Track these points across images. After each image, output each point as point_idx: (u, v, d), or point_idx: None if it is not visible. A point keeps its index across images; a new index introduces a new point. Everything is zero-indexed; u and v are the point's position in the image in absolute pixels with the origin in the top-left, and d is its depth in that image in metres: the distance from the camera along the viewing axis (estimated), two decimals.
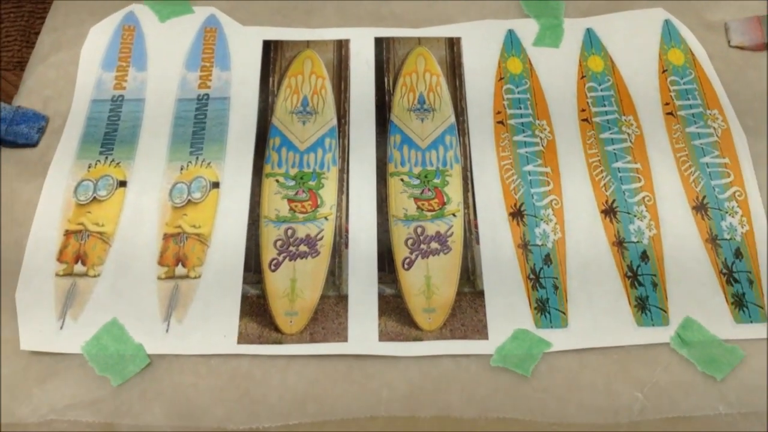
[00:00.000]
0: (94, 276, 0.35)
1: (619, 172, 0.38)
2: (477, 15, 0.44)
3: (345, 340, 0.33)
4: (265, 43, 0.43)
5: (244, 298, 0.34)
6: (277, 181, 0.38)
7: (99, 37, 0.43)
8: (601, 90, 0.40)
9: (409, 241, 0.36)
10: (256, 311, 0.34)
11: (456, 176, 0.38)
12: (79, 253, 0.35)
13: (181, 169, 0.38)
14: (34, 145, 0.39)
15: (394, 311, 0.34)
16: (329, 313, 0.34)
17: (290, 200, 0.37)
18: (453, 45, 0.43)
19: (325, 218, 0.37)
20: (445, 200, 0.37)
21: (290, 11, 0.44)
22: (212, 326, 0.34)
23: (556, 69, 0.41)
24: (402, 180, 0.38)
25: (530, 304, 0.34)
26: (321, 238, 0.36)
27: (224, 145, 0.39)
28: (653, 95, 0.40)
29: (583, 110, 0.40)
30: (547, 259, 0.35)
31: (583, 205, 0.37)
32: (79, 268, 0.35)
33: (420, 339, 0.34)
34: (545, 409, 0.32)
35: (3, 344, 0.33)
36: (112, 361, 0.32)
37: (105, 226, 0.36)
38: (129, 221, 0.36)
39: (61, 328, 0.33)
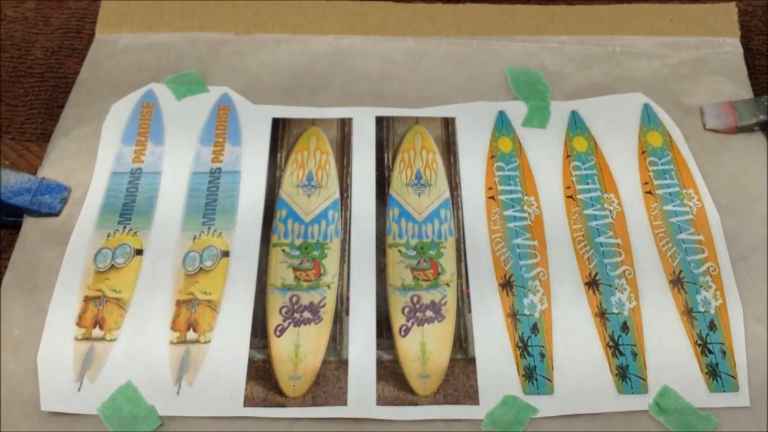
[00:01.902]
0: (111, 340, 0.37)
1: (602, 246, 0.40)
2: (471, 97, 0.47)
3: (344, 403, 0.36)
4: (274, 120, 0.46)
5: (251, 362, 0.37)
6: (283, 250, 0.41)
7: (120, 113, 0.46)
8: (585, 169, 0.44)
9: (406, 310, 0.39)
10: (262, 375, 0.36)
11: (450, 248, 0.41)
12: (98, 318, 0.38)
13: (194, 238, 0.41)
14: (56, 214, 0.41)
15: (391, 376, 0.37)
16: (330, 377, 0.37)
17: (295, 269, 0.40)
18: (448, 124, 0.46)
19: (328, 286, 0.39)
20: (440, 271, 0.40)
21: (297, 91, 0.47)
22: (220, 389, 0.36)
23: (544, 148, 0.45)
24: (400, 251, 0.41)
25: (519, 371, 0.37)
26: (324, 306, 0.39)
27: (234, 216, 0.42)
28: (633, 175, 0.43)
29: (568, 187, 0.43)
30: (535, 329, 0.38)
31: (568, 277, 0.40)
32: (97, 332, 0.37)
33: (415, 403, 0.36)
34: None
35: (23, 405, 0.35)
36: (126, 422, 0.35)
37: (122, 293, 0.39)
38: (144, 288, 0.39)
39: (79, 390, 0.36)
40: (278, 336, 0.38)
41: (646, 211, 0.42)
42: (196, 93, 0.47)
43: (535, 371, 0.36)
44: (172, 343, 0.37)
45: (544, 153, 0.45)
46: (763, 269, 0.40)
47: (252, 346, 0.37)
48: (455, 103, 0.47)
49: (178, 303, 0.38)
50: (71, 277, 0.39)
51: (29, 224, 0.41)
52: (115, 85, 0.47)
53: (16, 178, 0.42)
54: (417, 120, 0.46)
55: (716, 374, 0.36)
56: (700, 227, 0.41)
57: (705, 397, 0.36)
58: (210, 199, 0.42)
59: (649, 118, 0.46)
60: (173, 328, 0.38)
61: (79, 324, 0.37)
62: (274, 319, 0.38)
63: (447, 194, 0.43)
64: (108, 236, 0.41)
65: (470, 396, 0.36)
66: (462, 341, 0.38)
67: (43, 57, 0.52)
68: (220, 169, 0.44)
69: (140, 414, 0.35)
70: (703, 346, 0.37)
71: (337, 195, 0.43)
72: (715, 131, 0.45)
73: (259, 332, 0.38)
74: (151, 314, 0.38)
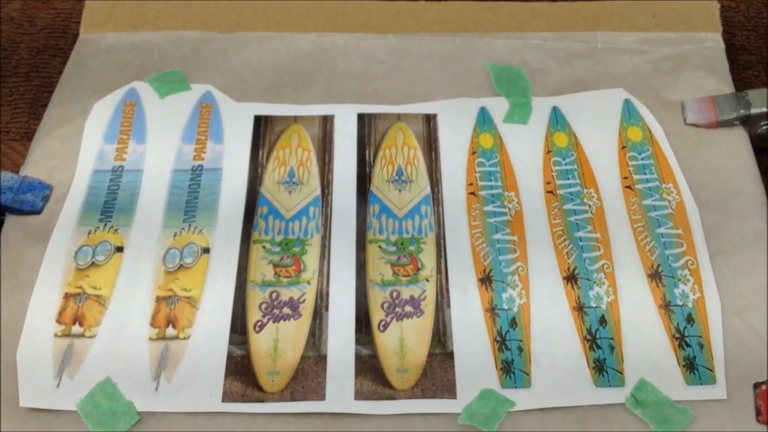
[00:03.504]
0: (90, 337, 0.37)
1: (581, 241, 0.41)
2: (452, 93, 0.47)
3: (323, 398, 0.36)
4: (256, 117, 0.46)
5: (230, 358, 0.37)
6: (264, 247, 0.41)
7: (102, 111, 0.46)
8: (565, 164, 0.44)
9: (385, 305, 0.39)
10: (241, 371, 0.37)
11: (430, 243, 0.41)
12: (77, 315, 0.38)
13: (175, 235, 0.41)
14: (38, 212, 0.42)
15: (370, 371, 0.37)
16: (309, 372, 0.37)
17: (275, 265, 0.40)
18: (430, 121, 0.46)
19: (308, 282, 0.40)
20: (420, 266, 0.40)
21: (280, 89, 0.48)
22: (199, 385, 0.36)
23: (525, 144, 0.45)
24: (380, 247, 0.41)
25: (496, 365, 0.37)
26: (303, 301, 0.39)
27: (215, 213, 0.42)
28: (613, 170, 0.44)
29: (549, 183, 0.43)
30: (513, 323, 0.38)
31: (547, 271, 0.40)
32: (76, 329, 0.37)
33: (393, 398, 0.36)
34: None
35: (3, 402, 0.35)
36: (104, 419, 0.35)
37: (102, 290, 0.39)
38: (124, 285, 0.39)
39: (58, 386, 0.36)
40: (257, 332, 0.38)
41: (626, 205, 0.42)
42: (179, 91, 0.47)
43: (512, 365, 0.37)
44: (151, 339, 0.37)
45: (525, 149, 0.45)
46: (742, 264, 0.40)
47: (231, 342, 0.37)
48: (437, 100, 0.47)
49: (158, 299, 0.39)
50: (51, 275, 0.39)
51: (11, 222, 0.41)
52: (98, 84, 0.48)
53: None
54: (399, 117, 0.46)
55: (693, 367, 0.36)
56: (678, 221, 0.41)
57: (682, 390, 0.36)
58: (191, 197, 0.42)
59: (629, 114, 0.46)
60: (153, 324, 0.38)
61: (58, 321, 0.38)
62: (254, 315, 0.38)
63: (428, 190, 0.43)
64: (89, 234, 0.41)
65: (448, 390, 0.36)
66: (441, 336, 0.38)
67: (28, 57, 0.53)
68: (201, 166, 0.44)
69: (119, 410, 0.35)
70: (680, 339, 0.37)
71: (318, 191, 0.43)
72: (696, 126, 0.45)
73: (239, 328, 0.38)
74: (131, 311, 0.38)
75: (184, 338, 0.37)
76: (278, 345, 0.37)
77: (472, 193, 0.43)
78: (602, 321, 0.38)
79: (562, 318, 0.38)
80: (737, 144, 0.45)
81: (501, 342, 0.37)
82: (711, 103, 0.46)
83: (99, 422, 0.35)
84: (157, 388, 0.36)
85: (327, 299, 0.39)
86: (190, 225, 0.41)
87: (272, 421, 0.35)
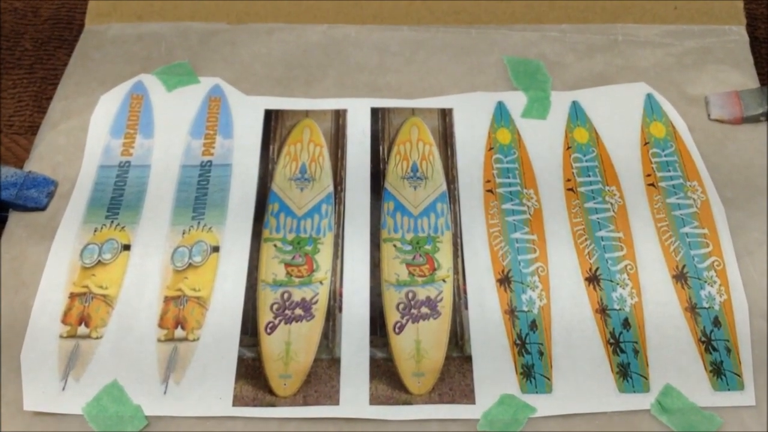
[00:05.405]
0: (97, 338, 0.36)
1: (603, 240, 0.39)
2: (468, 87, 0.46)
3: (337, 403, 0.35)
4: (267, 112, 0.45)
5: (240, 360, 0.36)
6: (275, 245, 0.39)
7: (108, 105, 0.45)
8: (586, 161, 0.42)
9: (401, 306, 0.38)
10: (252, 374, 0.35)
11: (446, 243, 0.40)
12: (83, 316, 0.37)
13: (183, 233, 0.40)
14: (43, 209, 0.40)
15: (385, 375, 0.36)
16: (322, 376, 0.35)
17: (287, 264, 0.39)
18: (445, 115, 0.45)
19: (321, 282, 0.38)
20: (436, 266, 0.39)
21: (291, 82, 0.46)
22: (209, 388, 0.35)
23: (544, 140, 0.43)
24: (395, 246, 0.40)
25: (516, 370, 0.35)
26: (316, 302, 0.38)
27: (225, 210, 0.41)
28: (635, 166, 0.42)
29: (569, 180, 0.42)
30: (533, 326, 0.37)
31: (567, 272, 0.38)
32: (82, 330, 0.36)
33: (409, 403, 0.35)
34: None
35: (6, 405, 0.34)
36: (111, 422, 0.34)
37: (108, 289, 0.38)
38: (132, 284, 0.38)
39: (64, 389, 0.35)
40: (269, 333, 0.37)
41: (649, 204, 0.41)
42: (187, 84, 0.46)
43: (533, 369, 0.35)
44: (159, 340, 0.36)
45: (544, 144, 0.43)
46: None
47: (242, 344, 0.36)
48: (453, 94, 0.46)
49: (167, 299, 0.37)
50: (56, 273, 0.38)
51: (14, 219, 0.40)
52: (104, 76, 0.46)
53: (1, 172, 0.41)
54: (413, 111, 0.45)
55: (721, 372, 0.35)
56: (704, 220, 0.40)
57: (709, 396, 0.34)
58: (200, 193, 0.41)
59: (652, 109, 0.45)
60: (161, 325, 0.37)
61: (64, 321, 0.36)
62: (265, 316, 0.37)
63: (444, 187, 0.42)
64: (95, 231, 0.40)
65: (466, 395, 0.35)
66: (458, 338, 0.37)
67: (32, 48, 0.51)
68: (210, 162, 0.43)
69: (126, 414, 0.34)
70: (707, 343, 0.36)
71: (331, 188, 0.42)
72: (720, 122, 0.44)
73: (249, 329, 0.37)
74: (139, 311, 0.37)
75: (194, 340, 0.36)
76: (290, 347, 0.36)
77: (490, 191, 0.41)
78: (626, 324, 0.36)
79: (584, 320, 0.37)
80: (763, 140, 0.43)
81: (521, 345, 0.36)
82: (736, 98, 0.44)
83: (106, 426, 0.34)
84: (165, 392, 0.35)
85: (340, 300, 0.38)
86: (199, 222, 0.40)
87: (284, 425, 0.34)
